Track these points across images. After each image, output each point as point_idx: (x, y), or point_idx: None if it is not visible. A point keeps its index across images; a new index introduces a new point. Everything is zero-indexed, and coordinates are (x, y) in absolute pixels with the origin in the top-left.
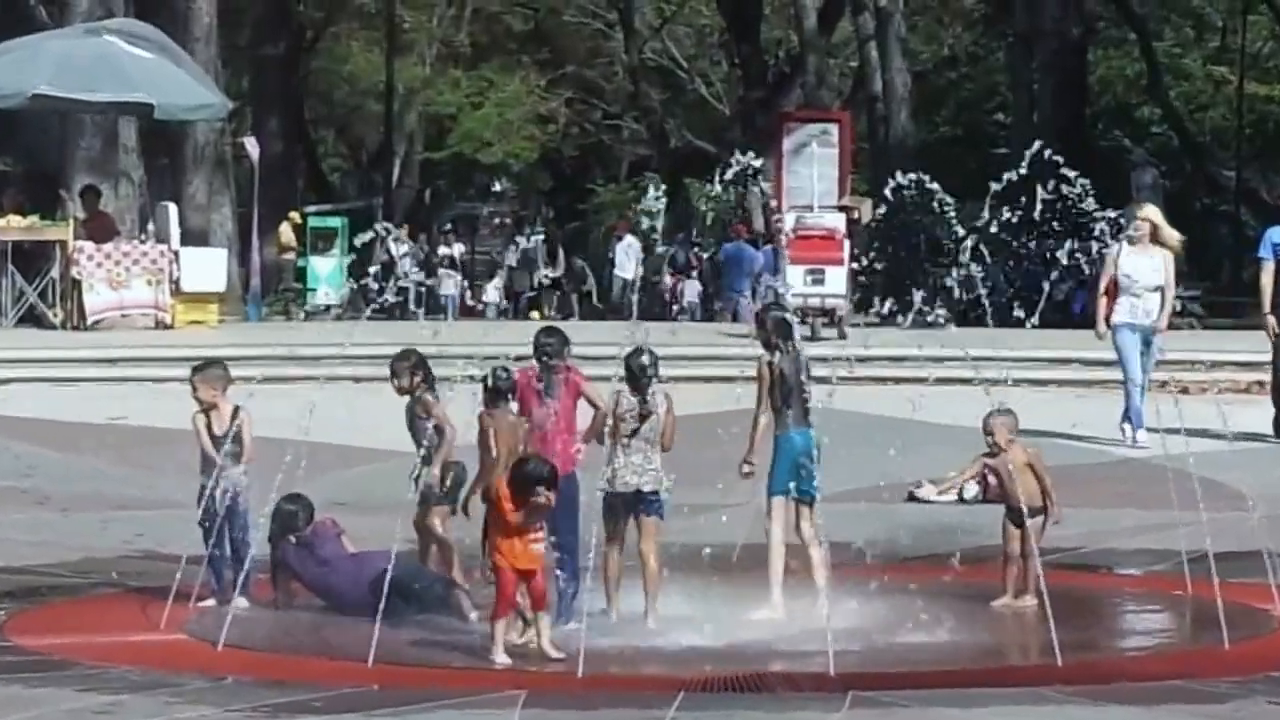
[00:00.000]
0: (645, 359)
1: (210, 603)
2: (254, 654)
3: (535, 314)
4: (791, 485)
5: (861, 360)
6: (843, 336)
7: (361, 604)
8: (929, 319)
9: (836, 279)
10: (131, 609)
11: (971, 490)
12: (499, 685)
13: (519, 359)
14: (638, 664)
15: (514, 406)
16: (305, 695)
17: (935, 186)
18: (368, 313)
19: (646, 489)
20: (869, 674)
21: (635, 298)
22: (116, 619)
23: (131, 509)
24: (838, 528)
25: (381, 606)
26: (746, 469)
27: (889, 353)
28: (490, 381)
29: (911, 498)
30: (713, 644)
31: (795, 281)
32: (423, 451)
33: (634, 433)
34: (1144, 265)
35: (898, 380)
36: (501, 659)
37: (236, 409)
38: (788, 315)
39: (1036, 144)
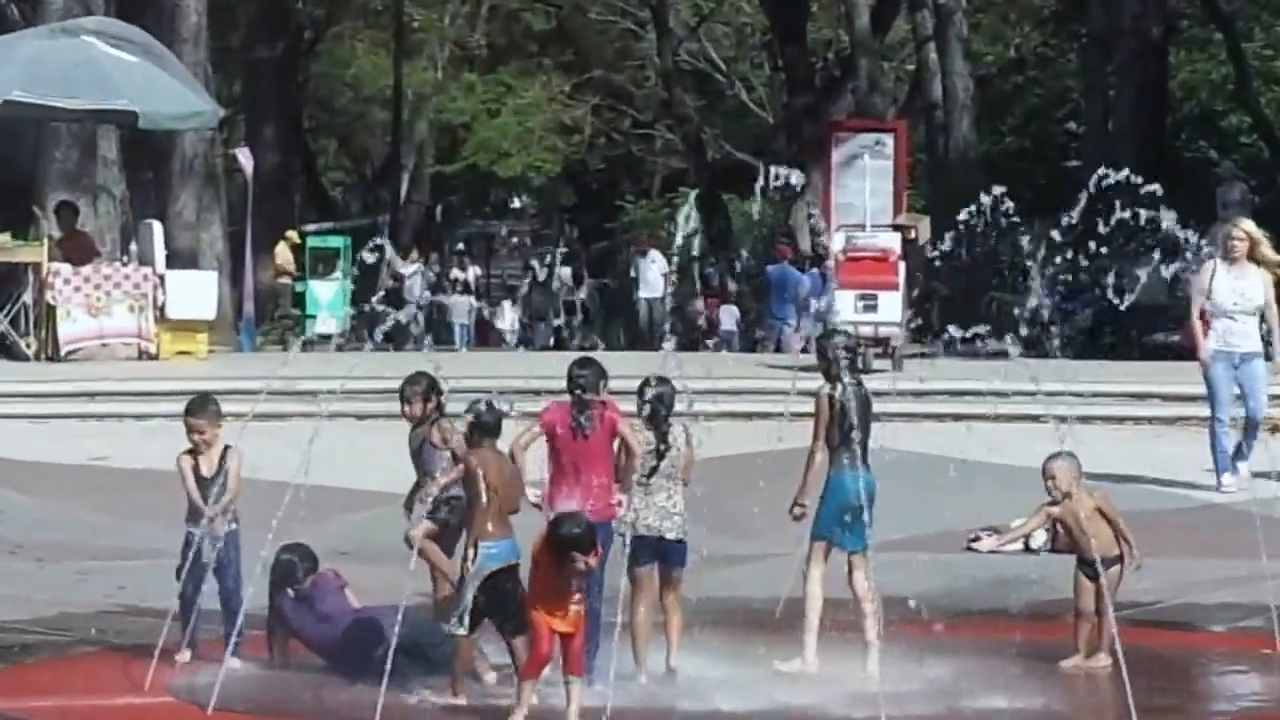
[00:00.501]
0: (661, 390)
1: (185, 656)
2: (247, 718)
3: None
4: (837, 531)
5: (919, 395)
6: (898, 369)
7: (366, 664)
8: (992, 348)
9: (891, 305)
10: (113, 669)
11: (1039, 538)
12: None
13: (549, 393)
14: None
15: (517, 443)
16: None
17: (1009, 205)
18: (372, 343)
19: (670, 536)
20: None
21: (666, 326)
22: (96, 680)
23: (112, 559)
24: (892, 580)
25: (388, 667)
26: (798, 510)
27: (949, 386)
28: (475, 417)
29: (970, 550)
30: (752, 708)
31: (845, 308)
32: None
33: (653, 470)
34: (1241, 286)
35: (958, 417)
36: None
37: (226, 449)
38: (850, 344)
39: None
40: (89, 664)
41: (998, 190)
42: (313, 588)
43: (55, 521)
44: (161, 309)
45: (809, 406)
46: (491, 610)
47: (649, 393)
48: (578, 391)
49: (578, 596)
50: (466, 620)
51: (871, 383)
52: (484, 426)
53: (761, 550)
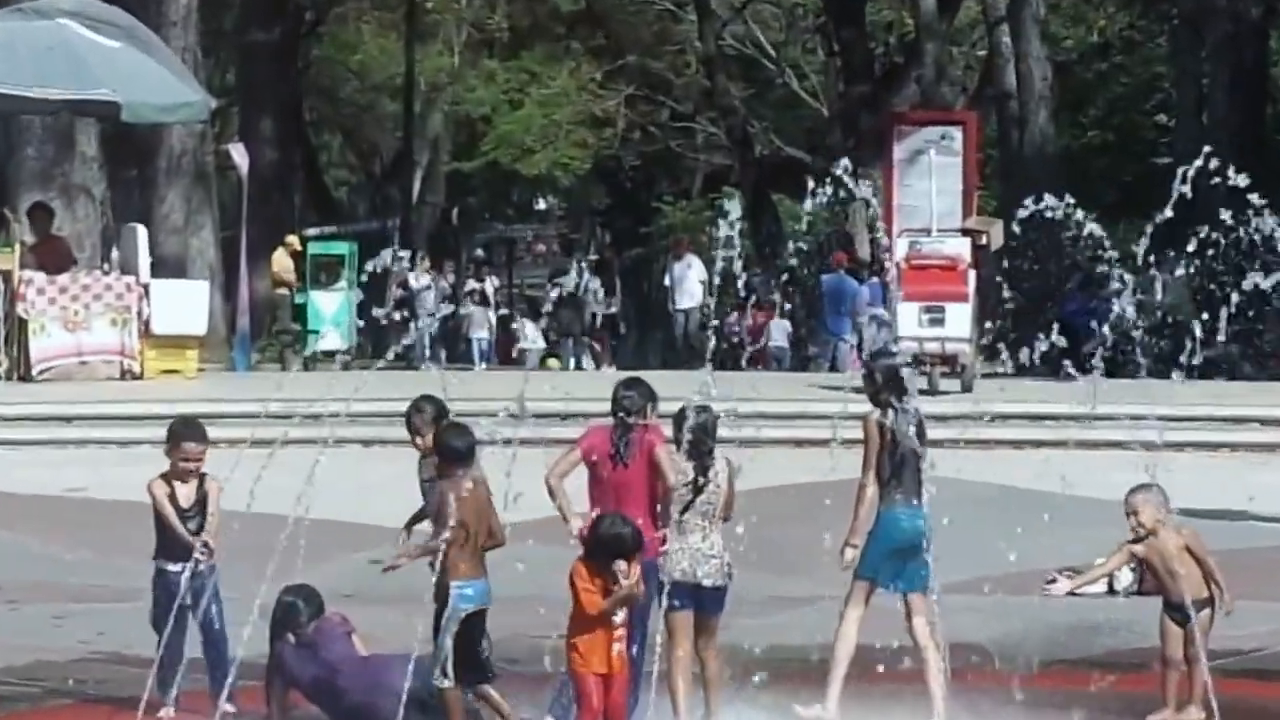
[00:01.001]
0: (703, 419)
1: (169, 714)
2: None
3: (553, 363)
4: (884, 571)
5: (991, 419)
6: (967, 389)
7: (374, 715)
8: (1069, 369)
9: (960, 319)
10: None
11: (1125, 579)
12: None
13: (577, 417)
14: None
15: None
16: None
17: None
18: (381, 361)
19: (707, 583)
20: None
21: (710, 341)
22: None
23: (91, 601)
24: (959, 624)
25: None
26: (849, 555)
27: (1024, 409)
28: (441, 443)
29: (1046, 594)
30: None
31: (909, 322)
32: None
33: (686, 507)
34: None
35: (1036, 444)
36: None
37: (203, 477)
38: (901, 365)
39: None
40: (65, 718)
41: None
42: (316, 633)
43: (29, 559)
44: (146, 323)
45: (859, 432)
46: (458, 657)
47: (689, 420)
48: (621, 414)
49: (620, 633)
50: (450, 670)
51: (939, 405)
52: (451, 452)
53: (812, 592)
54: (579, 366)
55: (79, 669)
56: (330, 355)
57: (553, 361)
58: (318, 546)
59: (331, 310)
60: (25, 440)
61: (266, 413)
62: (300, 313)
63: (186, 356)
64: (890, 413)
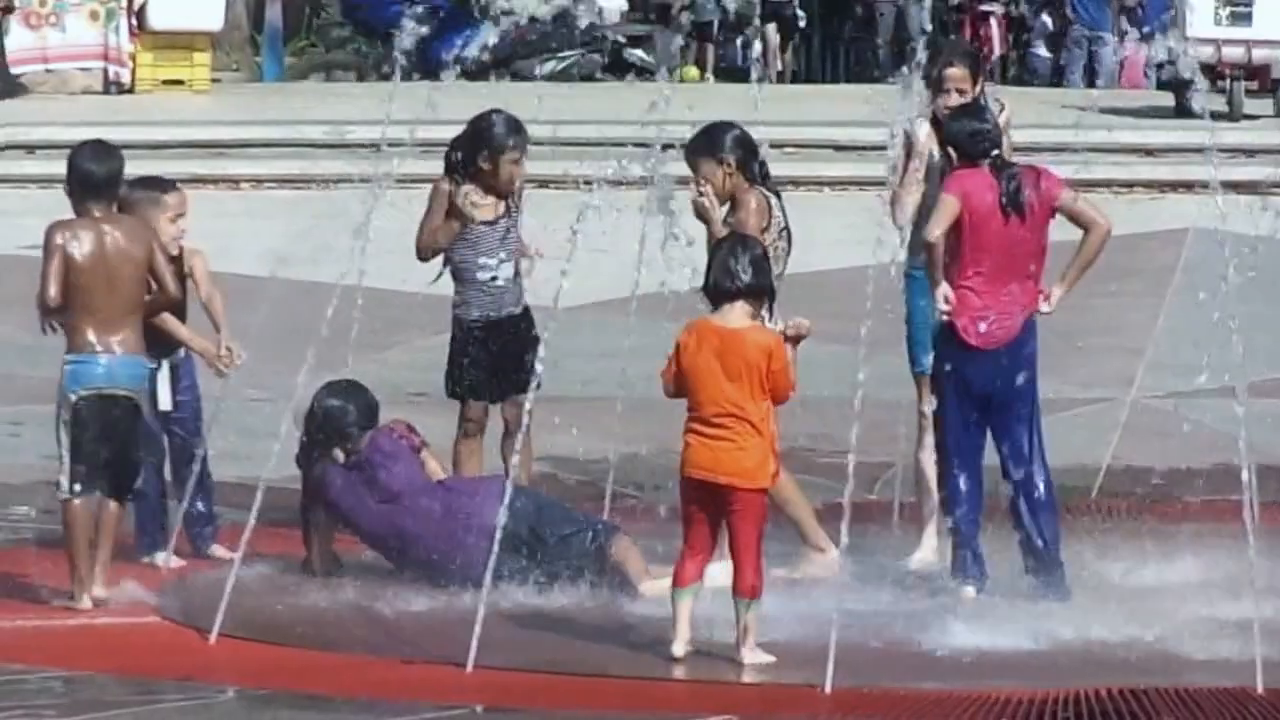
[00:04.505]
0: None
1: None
2: (271, 649)
3: (692, 71)
4: None
5: None
6: None
7: (455, 564)
8: None
9: (1273, 15)
10: (41, 568)
11: None
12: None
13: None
14: (914, 673)
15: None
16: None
17: None
18: (464, 63)
19: None
20: None
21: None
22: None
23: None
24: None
25: (489, 570)
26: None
27: None
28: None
29: None
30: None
31: (1202, 20)
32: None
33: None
34: None
35: None
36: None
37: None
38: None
39: None
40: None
41: None
42: (371, 449)
43: None
44: (139, 14)
45: None
46: None
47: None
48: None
49: None
50: None
51: (1242, 133)
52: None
53: None
54: (733, 74)
55: (36, 493)
56: None
57: (691, 71)
58: (374, 324)
59: None
60: None
61: (304, 139)
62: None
63: (194, 62)
64: None
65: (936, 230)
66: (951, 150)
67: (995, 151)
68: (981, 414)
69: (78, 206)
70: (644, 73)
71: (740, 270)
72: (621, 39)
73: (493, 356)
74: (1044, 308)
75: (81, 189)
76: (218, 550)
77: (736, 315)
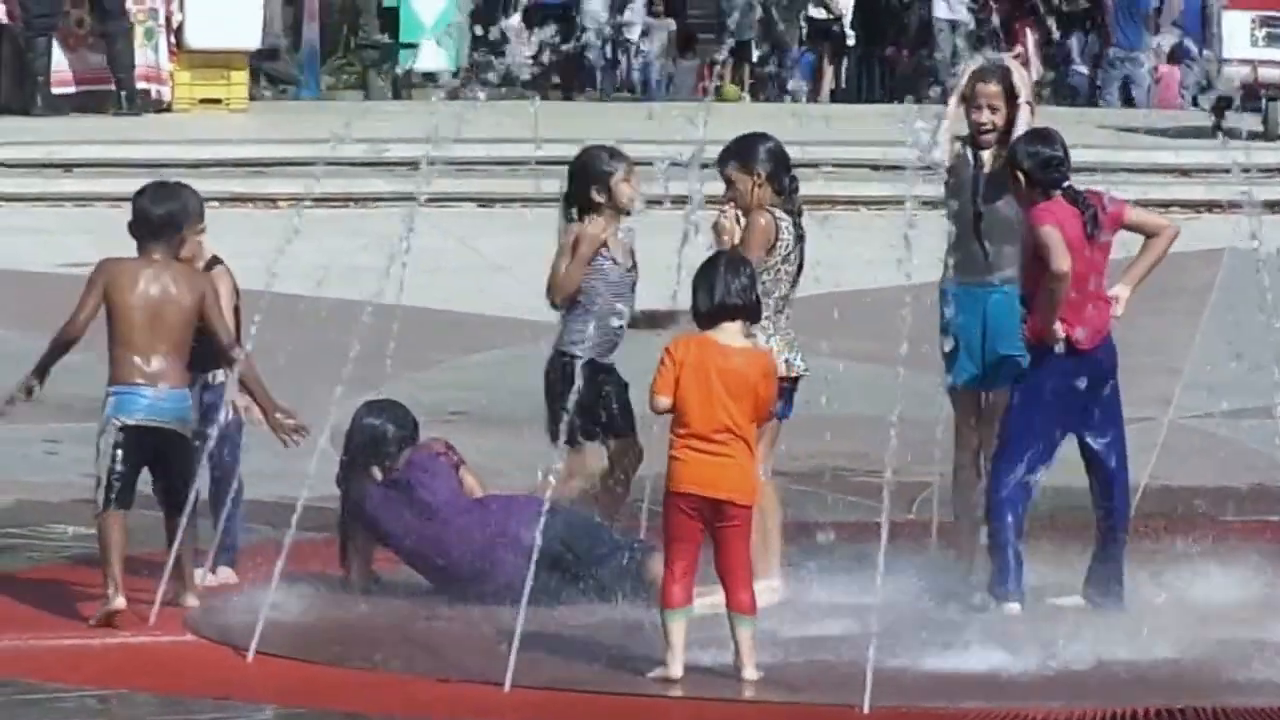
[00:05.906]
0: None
1: (215, 576)
2: (308, 667)
3: (731, 90)
4: None
5: None
6: None
7: (493, 581)
8: None
9: None
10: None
11: None
12: None
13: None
14: (953, 692)
15: None
16: None
17: None
18: (505, 85)
19: None
20: None
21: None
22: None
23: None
24: None
25: (527, 589)
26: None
27: None
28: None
29: None
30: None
31: (1237, 39)
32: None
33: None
34: None
35: None
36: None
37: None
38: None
39: None
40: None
41: None
42: (410, 468)
43: (7, 359)
44: (178, 33)
45: None
46: None
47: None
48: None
49: None
50: None
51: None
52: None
53: None
54: (778, 95)
55: (76, 513)
56: (431, 78)
57: (730, 90)
58: (413, 346)
59: (434, 15)
60: (7, 195)
61: (340, 158)
62: (391, 19)
63: (232, 80)
64: None
65: (1065, 264)
66: (1021, 175)
67: (1066, 183)
68: (1078, 418)
69: (139, 246)
70: None
71: (739, 289)
72: None
73: (599, 399)
74: (1117, 311)
75: (138, 228)
76: (224, 573)
77: (735, 334)
